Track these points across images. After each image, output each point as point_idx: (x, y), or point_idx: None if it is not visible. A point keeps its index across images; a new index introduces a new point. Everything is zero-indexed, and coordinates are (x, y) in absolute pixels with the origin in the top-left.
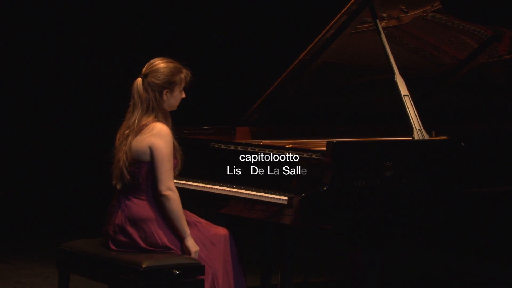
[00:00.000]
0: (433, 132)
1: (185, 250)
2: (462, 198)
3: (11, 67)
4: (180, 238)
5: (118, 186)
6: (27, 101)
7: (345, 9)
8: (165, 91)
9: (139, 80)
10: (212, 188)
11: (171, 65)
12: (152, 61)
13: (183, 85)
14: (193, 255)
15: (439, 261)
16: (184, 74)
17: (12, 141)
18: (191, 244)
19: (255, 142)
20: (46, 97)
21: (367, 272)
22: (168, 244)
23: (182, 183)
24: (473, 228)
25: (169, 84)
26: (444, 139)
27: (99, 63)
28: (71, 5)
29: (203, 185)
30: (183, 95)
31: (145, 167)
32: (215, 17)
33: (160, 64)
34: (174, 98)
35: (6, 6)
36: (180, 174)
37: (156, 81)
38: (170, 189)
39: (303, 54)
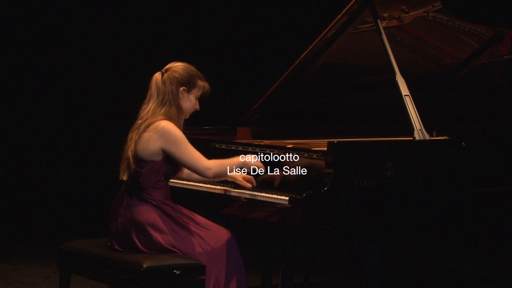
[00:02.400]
0: (434, 132)
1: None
2: (462, 198)
3: (11, 67)
4: (181, 240)
5: (124, 177)
6: (28, 100)
7: (346, 9)
8: (181, 88)
9: (158, 73)
10: (213, 188)
11: (193, 68)
12: (174, 62)
13: (200, 93)
14: (254, 164)
15: (439, 261)
16: (204, 83)
17: (13, 141)
18: (247, 162)
19: (256, 142)
20: (47, 97)
21: (367, 272)
22: (167, 246)
23: (183, 183)
24: (474, 228)
25: (187, 82)
26: (445, 139)
27: (99, 64)
28: (75, 6)
29: (204, 185)
30: (197, 106)
31: (146, 167)
32: (217, 17)
33: (183, 65)
34: (189, 101)
35: (7, 6)
36: None
37: (176, 75)
38: (209, 168)
39: (304, 54)
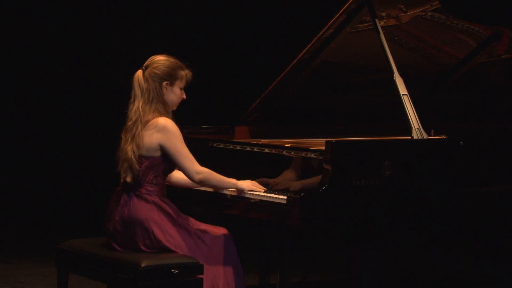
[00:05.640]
0: (432, 132)
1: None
2: (461, 197)
3: (11, 67)
4: (179, 238)
5: (128, 179)
6: (27, 100)
7: (344, 8)
8: (164, 83)
9: (140, 71)
10: None
11: (172, 60)
12: (154, 55)
13: (183, 82)
14: (252, 187)
15: (439, 261)
16: (185, 72)
17: (12, 141)
18: (244, 186)
19: (254, 141)
20: (46, 97)
21: (365, 271)
22: (167, 244)
23: None
24: (473, 227)
25: (169, 76)
26: (443, 138)
27: (97, 62)
28: (73, 4)
29: None
30: (183, 96)
31: (146, 162)
32: (215, 16)
33: (162, 58)
34: (174, 94)
35: (7, 6)
36: None
37: (157, 71)
38: (199, 172)
39: (302, 53)
